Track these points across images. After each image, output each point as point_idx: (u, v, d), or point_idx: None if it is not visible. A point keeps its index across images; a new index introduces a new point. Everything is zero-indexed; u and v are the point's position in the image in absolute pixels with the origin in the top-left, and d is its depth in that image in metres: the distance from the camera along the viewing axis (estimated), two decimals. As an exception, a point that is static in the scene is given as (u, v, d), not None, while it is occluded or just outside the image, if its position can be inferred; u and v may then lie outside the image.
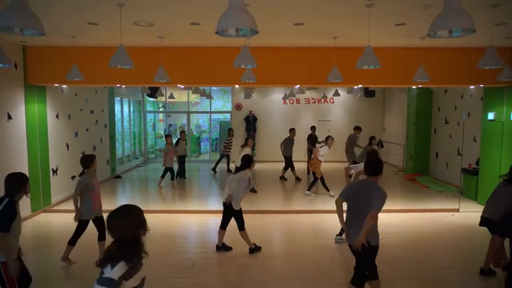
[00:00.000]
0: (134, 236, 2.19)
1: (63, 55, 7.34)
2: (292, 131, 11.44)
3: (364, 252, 3.69)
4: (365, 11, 4.71)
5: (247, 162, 5.59)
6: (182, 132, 11.84)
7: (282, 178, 11.39)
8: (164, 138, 10.39)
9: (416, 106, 11.93)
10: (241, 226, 5.61)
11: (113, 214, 2.21)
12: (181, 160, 11.57)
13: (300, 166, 11.76)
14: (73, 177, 9.11)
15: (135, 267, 2.19)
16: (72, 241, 5.25)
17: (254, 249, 5.71)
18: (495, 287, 4.76)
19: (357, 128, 11.59)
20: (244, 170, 5.55)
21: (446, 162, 10.91)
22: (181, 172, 11.67)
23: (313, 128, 12.29)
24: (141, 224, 2.24)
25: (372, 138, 10.47)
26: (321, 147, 9.32)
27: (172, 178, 10.38)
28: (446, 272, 5.09)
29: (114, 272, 2.08)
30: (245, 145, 9.75)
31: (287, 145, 11.26)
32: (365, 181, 3.94)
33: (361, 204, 3.72)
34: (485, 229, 4.77)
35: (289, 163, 11.20)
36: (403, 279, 4.88)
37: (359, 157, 10.59)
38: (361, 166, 5.41)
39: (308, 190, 9.33)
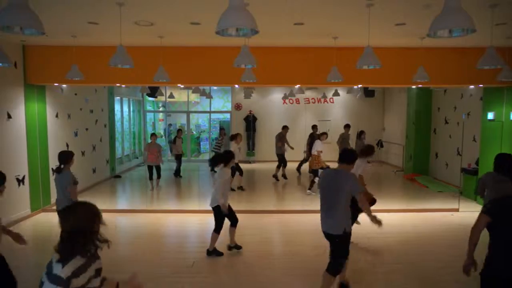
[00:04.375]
0: (86, 229, 2.12)
1: (63, 54, 7.34)
2: (284, 128, 11.41)
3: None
4: (365, 11, 4.72)
5: (224, 158, 5.36)
6: (179, 130, 11.86)
7: (275, 177, 11.30)
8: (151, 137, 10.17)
9: (416, 106, 11.93)
10: (233, 222, 5.53)
11: (64, 208, 2.21)
12: (178, 158, 11.64)
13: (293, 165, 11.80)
14: (72, 177, 9.09)
15: (88, 263, 2.14)
16: None
17: (233, 247, 5.63)
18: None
19: (347, 126, 11.71)
20: (223, 169, 5.34)
21: (445, 162, 10.91)
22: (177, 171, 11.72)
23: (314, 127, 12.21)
24: (94, 218, 2.18)
25: (361, 133, 10.47)
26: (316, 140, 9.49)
27: (151, 178, 9.94)
28: (446, 272, 5.09)
29: (66, 269, 2.00)
30: (233, 139, 9.31)
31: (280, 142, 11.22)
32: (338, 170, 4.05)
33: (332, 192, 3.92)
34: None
35: (281, 161, 11.16)
36: (402, 279, 4.88)
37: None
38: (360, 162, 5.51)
39: (309, 189, 9.34)
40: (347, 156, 4.03)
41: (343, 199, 3.86)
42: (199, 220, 7.46)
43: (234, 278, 4.98)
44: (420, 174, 11.71)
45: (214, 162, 5.52)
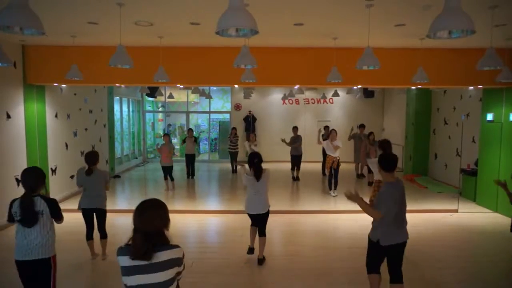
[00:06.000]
0: (161, 230, 2.16)
1: (62, 54, 7.33)
2: (294, 129, 11.41)
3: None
4: (365, 11, 4.72)
5: (260, 160, 5.23)
6: (190, 130, 11.86)
7: (296, 178, 11.30)
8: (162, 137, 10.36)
9: (415, 107, 11.95)
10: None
11: (147, 205, 2.19)
12: (189, 159, 11.60)
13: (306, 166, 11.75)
14: (71, 177, 9.10)
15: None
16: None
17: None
18: (496, 287, 4.78)
19: (362, 126, 11.57)
20: (265, 171, 5.25)
21: (445, 163, 10.92)
22: (189, 172, 11.68)
23: (325, 128, 12.19)
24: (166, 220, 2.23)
25: (370, 134, 10.45)
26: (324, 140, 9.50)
27: (165, 178, 10.02)
28: (445, 273, 5.09)
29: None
30: (248, 140, 9.96)
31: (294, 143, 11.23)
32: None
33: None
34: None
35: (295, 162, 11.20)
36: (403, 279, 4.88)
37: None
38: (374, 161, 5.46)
39: (334, 189, 9.27)
40: (393, 163, 4.08)
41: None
42: (199, 220, 7.46)
43: (234, 278, 4.98)
44: (419, 174, 11.72)
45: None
